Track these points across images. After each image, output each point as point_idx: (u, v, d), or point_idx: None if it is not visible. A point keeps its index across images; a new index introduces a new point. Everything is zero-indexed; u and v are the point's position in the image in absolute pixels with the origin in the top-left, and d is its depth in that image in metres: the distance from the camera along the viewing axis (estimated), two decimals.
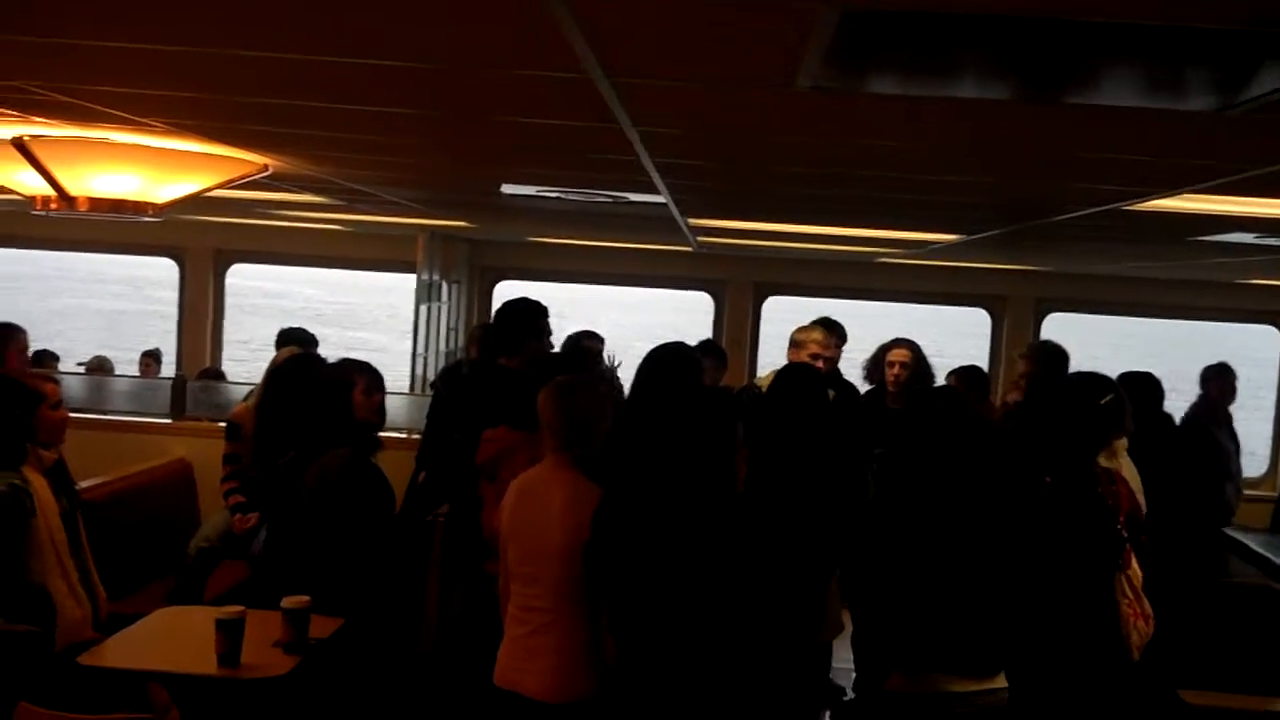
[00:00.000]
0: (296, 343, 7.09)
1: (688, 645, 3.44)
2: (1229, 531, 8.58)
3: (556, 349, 6.19)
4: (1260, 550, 8.27)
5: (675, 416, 3.51)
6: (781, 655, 4.51)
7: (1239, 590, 6.33)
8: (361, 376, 4.93)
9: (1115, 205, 4.16)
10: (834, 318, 7.24)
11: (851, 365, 7.18)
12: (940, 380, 6.64)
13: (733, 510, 3.52)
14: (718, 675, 3.46)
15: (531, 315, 5.81)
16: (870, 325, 8.85)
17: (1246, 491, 9.59)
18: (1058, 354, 6.47)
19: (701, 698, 3.46)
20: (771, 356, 6.48)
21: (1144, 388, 5.88)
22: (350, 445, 4.78)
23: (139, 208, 4.66)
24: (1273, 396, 10.28)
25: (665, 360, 5.36)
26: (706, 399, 3.80)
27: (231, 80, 2.92)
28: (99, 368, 10.32)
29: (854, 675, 6.15)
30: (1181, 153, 2.96)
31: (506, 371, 5.62)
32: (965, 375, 6.51)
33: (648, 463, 3.49)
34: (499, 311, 6.10)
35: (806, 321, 6.60)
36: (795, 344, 6.26)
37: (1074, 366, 6.30)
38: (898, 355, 6.64)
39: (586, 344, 7.12)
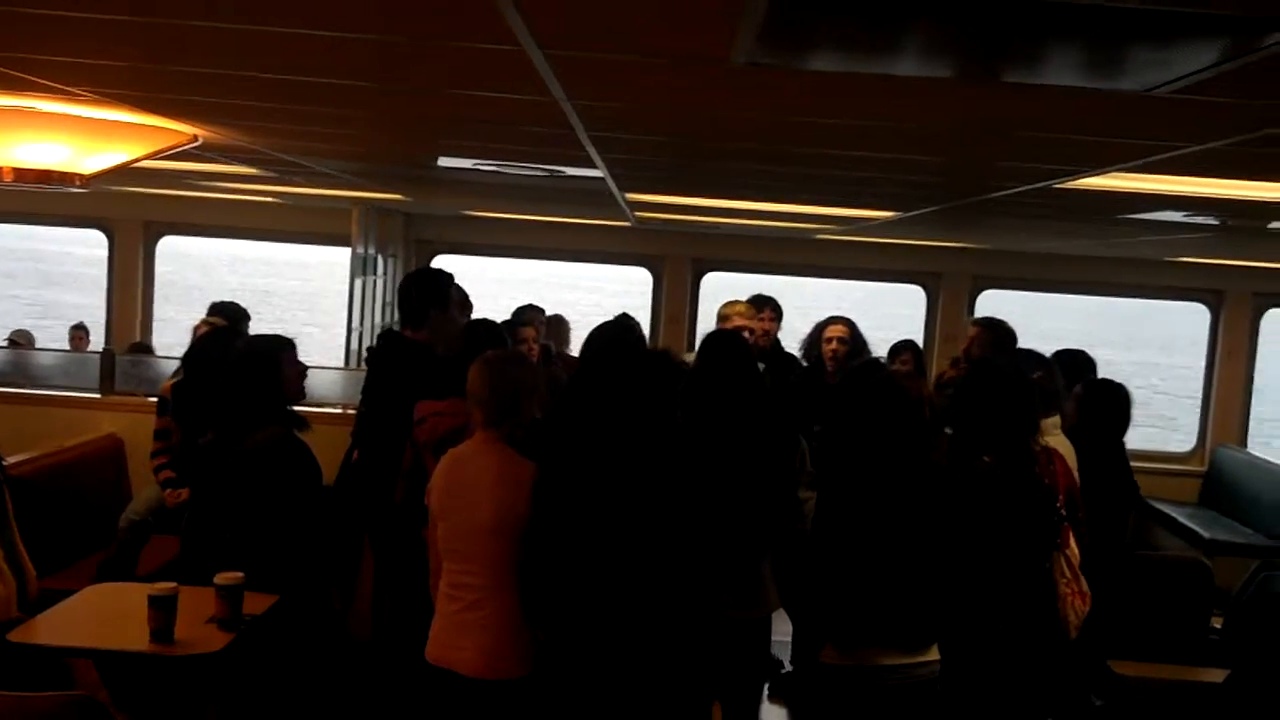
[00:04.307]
0: (224, 317, 6.99)
1: (617, 616, 3.45)
2: (1156, 505, 8.76)
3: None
4: (1187, 523, 8.45)
5: (611, 385, 3.51)
6: (710, 628, 4.55)
7: (1166, 562, 6.46)
8: (286, 352, 4.87)
9: (1047, 184, 4.21)
10: (770, 295, 7.29)
11: (791, 343, 7.24)
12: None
13: (662, 474, 3.55)
14: (646, 647, 3.47)
15: (432, 285, 5.73)
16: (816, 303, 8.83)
17: (1175, 466, 9.79)
18: (1008, 335, 6.54)
19: (630, 671, 3.48)
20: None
21: (1077, 365, 5.96)
22: (279, 422, 4.73)
23: (66, 179, 4.56)
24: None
25: (608, 337, 5.39)
26: (641, 365, 3.82)
27: (161, 49, 2.87)
28: (19, 341, 10.13)
29: (791, 648, 6.23)
30: (1110, 132, 3.00)
31: (410, 344, 5.56)
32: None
33: (580, 433, 3.50)
34: (401, 284, 6.04)
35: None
36: (721, 318, 6.34)
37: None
38: (834, 332, 6.72)
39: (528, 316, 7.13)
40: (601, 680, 3.51)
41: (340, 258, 9.53)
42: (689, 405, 4.64)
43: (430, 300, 5.62)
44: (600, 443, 3.55)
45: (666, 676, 3.55)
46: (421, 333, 5.56)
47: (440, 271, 5.87)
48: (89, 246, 11.27)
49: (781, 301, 7.10)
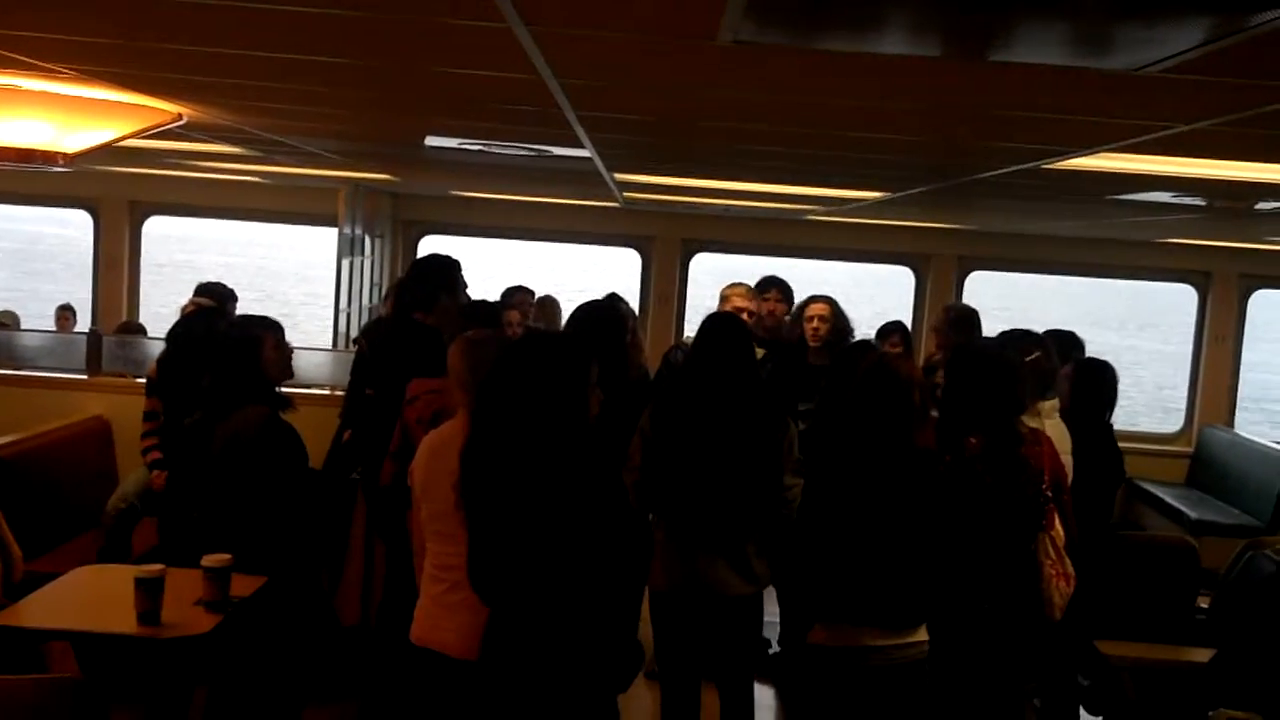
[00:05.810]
0: (212, 297, 6.96)
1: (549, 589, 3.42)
2: (1144, 485, 8.79)
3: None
4: (1174, 504, 8.49)
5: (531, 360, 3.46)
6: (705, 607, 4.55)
7: (1152, 543, 6.47)
8: (268, 333, 4.84)
9: (1035, 164, 4.20)
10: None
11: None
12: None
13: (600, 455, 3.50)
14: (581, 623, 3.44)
15: (444, 270, 5.79)
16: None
17: (1162, 447, 9.82)
18: (967, 317, 6.54)
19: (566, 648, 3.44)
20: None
21: (1066, 345, 5.96)
22: (263, 403, 4.71)
23: (48, 158, 4.52)
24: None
25: (589, 318, 5.39)
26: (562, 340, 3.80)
27: (142, 25, 2.84)
28: (4, 322, 10.09)
29: (779, 629, 6.25)
30: (1098, 111, 2.99)
31: (421, 327, 5.58)
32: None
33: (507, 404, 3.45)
34: (412, 267, 6.08)
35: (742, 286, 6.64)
36: (721, 299, 6.33)
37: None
38: (816, 310, 6.70)
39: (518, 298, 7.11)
40: (540, 657, 3.49)
41: (299, 238, 9.51)
42: (683, 385, 4.64)
43: (442, 285, 5.69)
44: (516, 415, 3.48)
45: (604, 653, 3.52)
46: (430, 316, 5.60)
47: (451, 258, 5.91)
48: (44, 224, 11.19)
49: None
